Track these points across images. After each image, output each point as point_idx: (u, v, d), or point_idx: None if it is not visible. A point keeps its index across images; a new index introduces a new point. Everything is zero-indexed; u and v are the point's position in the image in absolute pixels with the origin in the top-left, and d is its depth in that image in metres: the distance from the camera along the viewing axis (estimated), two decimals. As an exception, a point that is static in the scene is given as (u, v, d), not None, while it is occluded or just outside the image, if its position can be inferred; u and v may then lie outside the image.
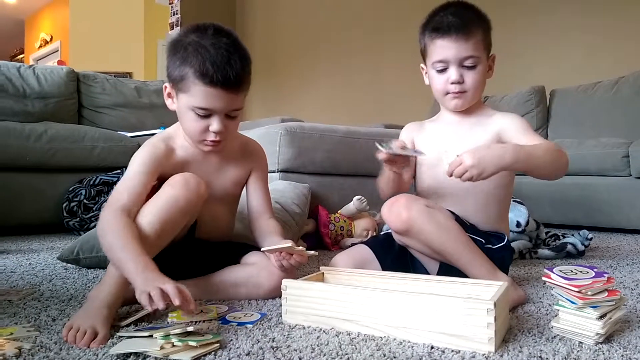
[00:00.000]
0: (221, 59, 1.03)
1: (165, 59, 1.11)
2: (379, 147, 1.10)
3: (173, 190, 1.03)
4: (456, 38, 1.13)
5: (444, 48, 1.15)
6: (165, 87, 1.12)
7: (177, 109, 1.12)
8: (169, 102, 1.14)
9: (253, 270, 1.13)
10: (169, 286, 0.84)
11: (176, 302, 0.82)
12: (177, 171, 1.12)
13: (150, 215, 1.01)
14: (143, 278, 0.86)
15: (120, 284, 0.95)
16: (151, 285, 0.83)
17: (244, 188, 1.28)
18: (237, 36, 1.09)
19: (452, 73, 1.15)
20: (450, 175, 1.02)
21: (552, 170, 1.09)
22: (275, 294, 1.10)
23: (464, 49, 1.13)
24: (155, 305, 0.82)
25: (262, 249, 1.14)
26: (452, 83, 1.16)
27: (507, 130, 1.17)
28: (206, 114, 1.07)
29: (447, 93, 1.18)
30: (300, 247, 1.08)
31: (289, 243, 1.07)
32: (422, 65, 1.25)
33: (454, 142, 1.22)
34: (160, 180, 1.10)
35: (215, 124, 1.07)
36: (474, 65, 1.15)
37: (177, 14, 5.68)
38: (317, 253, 1.10)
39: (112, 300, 0.93)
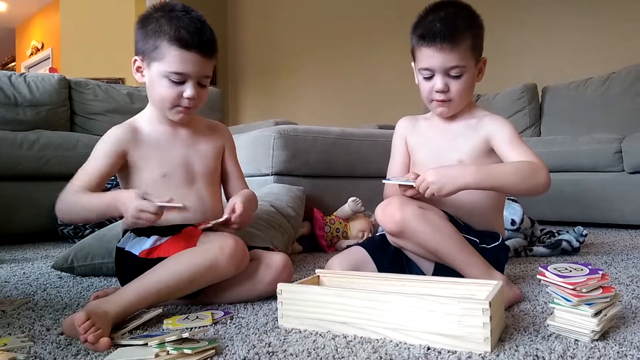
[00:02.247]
0: (194, 26, 1.10)
1: (135, 34, 1.15)
2: (385, 181, 1.16)
3: (221, 255, 1.03)
4: (441, 48, 1.11)
5: (429, 57, 1.13)
6: (135, 60, 1.15)
7: (147, 80, 1.15)
8: (137, 76, 1.17)
9: (250, 265, 1.12)
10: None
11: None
12: (147, 149, 1.17)
13: (185, 264, 1.01)
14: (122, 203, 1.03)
15: (130, 305, 0.94)
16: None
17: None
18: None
19: (437, 82, 1.14)
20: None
21: (521, 190, 1.09)
22: (275, 287, 1.06)
23: (449, 59, 1.12)
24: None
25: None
26: (437, 92, 1.15)
27: (495, 137, 1.16)
28: (180, 79, 1.11)
29: (432, 100, 1.18)
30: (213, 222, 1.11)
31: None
32: (412, 63, 1.25)
33: (446, 145, 1.22)
34: (132, 160, 1.17)
35: (189, 90, 1.11)
36: (460, 75, 1.14)
37: (168, 18, 5.68)
38: (224, 218, 1.11)
39: (119, 312, 0.92)
